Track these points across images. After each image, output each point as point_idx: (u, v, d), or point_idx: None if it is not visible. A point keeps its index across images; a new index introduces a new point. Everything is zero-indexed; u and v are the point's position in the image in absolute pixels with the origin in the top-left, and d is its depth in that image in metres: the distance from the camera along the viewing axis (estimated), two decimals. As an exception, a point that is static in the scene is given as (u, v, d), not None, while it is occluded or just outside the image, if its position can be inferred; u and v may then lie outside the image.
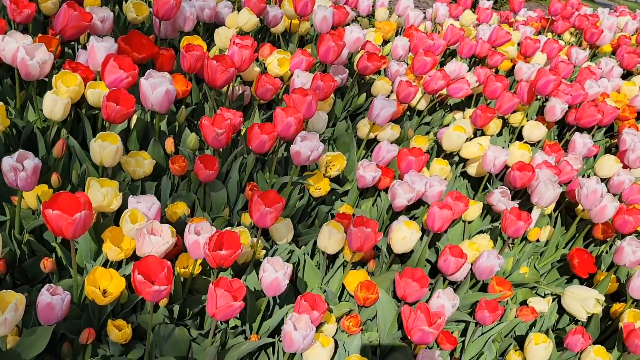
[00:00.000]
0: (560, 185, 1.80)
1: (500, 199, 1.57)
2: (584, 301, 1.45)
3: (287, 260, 1.32)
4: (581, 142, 1.86)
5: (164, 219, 1.26)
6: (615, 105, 2.19)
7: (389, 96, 1.88)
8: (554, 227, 1.73)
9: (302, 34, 2.13)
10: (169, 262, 0.96)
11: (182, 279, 1.17)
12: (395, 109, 1.57)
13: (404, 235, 1.26)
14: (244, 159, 1.41)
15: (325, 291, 1.29)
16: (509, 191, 1.59)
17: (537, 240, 1.72)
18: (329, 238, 1.27)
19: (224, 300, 0.98)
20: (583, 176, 1.95)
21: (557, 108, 1.94)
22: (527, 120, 2.00)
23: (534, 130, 1.96)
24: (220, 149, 1.37)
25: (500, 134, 2.06)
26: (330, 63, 1.67)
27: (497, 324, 1.41)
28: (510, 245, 1.67)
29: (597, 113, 1.93)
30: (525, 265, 1.65)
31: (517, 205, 1.59)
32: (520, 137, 2.02)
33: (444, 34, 2.33)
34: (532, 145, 2.03)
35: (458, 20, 2.69)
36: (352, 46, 1.85)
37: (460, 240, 1.60)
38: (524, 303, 1.56)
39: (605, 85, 2.39)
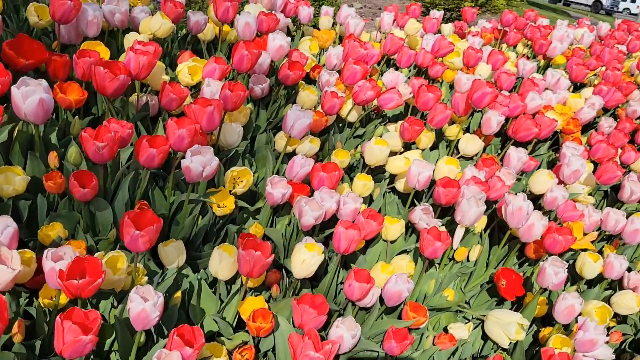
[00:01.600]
0: (492, 203, 1.72)
1: (422, 216, 1.48)
2: (505, 326, 1.36)
3: (175, 287, 1.20)
4: (515, 156, 1.78)
5: (37, 242, 1.14)
6: (555, 117, 2.12)
7: (316, 107, 1.78)
8: (485, 246, 1.64)
9: (231, 42, 2.02)
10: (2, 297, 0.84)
11: (46, 310, 1.05)
12: (311, 120, 1.47)
13: (304, 258, 1.16)
14: (138, 174, 1.29)
15: (217, 321, 1.18)
16: (431, 208, 1.50)
17: (468, 260, 1.63)
18: (220, 262, 1.15)
19: (72, 335, 0.86)
20: (516, 193, 1.87)
21: (492, 120, 1.86)
22: (464, 134, 1.92)
23: (470, 143, 1.88)
24: (108, 164, 1.26)
25: (436, 147, 1.98)
26: (245, 71, 1.57)
27: (412, 353, 1.31)
28: (436, 266, 1.57)
29: (533, 126, 1.86)
30: (452, 287, 1.55)
31: (440, 224, 1.50)
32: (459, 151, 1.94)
33: (384, 43, 2.24)
34: (468, 159, 1.95)
35: (402, 29, 2.62)
36: (276, 54, 1.75)
37: (382, 260, 1.50)
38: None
39: (549, 97, 2.33)
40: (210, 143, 1.51)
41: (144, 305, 0.96)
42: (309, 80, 2.06)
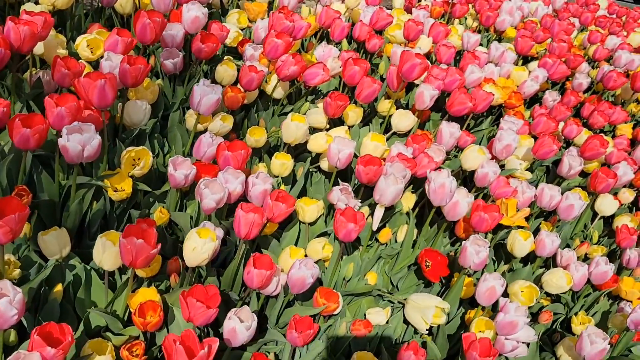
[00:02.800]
0: (422, 181, 1.64)
1: (340, 197, 1.39)
2: (423, 311, 1.29)
3: (59, 280, 1.10)
4: (447, 131, 1.70)
5: None
6: (492, 91, 2.05)
7: (236, 82, 1.67)
8: (411, 226, 1.56)
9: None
10: None
11: None
12: (219, 96, 1.37)
13: (194, 246, 1.06)
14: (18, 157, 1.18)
15: (103, 315, 1.08)
16: (350, 188, 1.42)
17: (396, 242, 1.56)
18: (103, 252, 1.05)
19: None
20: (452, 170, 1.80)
21: (425, 94, 1.77)
22: (396, 109, 1.83)
23: (402, 119, 1.79)
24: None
25: (368, 123, 1.89)
26: (149, 43, 1.45)
27: (322, 341, 1.23)
28: (360, 248, 1.50)
29: (467, 100, 1.78)
30: (375, 270, 1.48)
31: (359, 204, 1.42)
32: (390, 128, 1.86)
33: (318, 15, 2.14)
34: (402, 136, 1.86)
35: (343, 2, 2.51)
36: (191, 26, 1.63)
37: (298, 245, 1.41)
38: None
39: (491, 70, 2.26)
40: (114, 122, 1.40)
41: (-2, 301, 0.85)
42: (238, 55, 1.95)
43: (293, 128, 1.47)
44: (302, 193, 1.60)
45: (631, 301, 1.63)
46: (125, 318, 1.13)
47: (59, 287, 1.08)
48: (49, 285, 1.09)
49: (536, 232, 1.68)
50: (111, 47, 1.42)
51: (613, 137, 2.35)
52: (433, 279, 1.43)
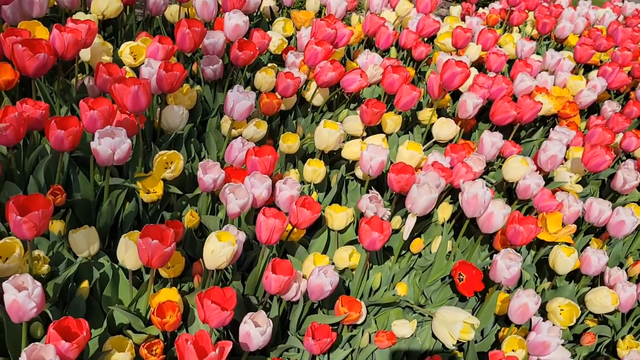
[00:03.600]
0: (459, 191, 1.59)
1: (369, 205, 1.37)
2: (450, 325, 1.24)
3: (87, 277, 1.14)
4: (489, 141, 1.65)
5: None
6: (544, 100, 1.96)
7: (275, 90, 1.69)
8: (445, 237, 1.51)
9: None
10: None
11: None
12: (252, 102, 1.39)
13: (213, 249, 1.07)
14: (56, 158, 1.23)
15: (125, 313, 1.11)
16: (379, 196, 1.39)
17: (431, 253, 1.52)
18: (126, 251, 1.08)
19: None
20: (494, 182, 1.74)
21: (468, 103, 1.72)
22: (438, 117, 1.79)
23: (443, 128, 1.75)
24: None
25: (409, 132, 1.86)
26: (189, 51, 1.49)
27: (345, 350, 1.21)
28: (389, 258, 1.47)
29: (511, 108, 1.71)
30: (406, 281, 1.44)
31: (389, 213, 1.40)
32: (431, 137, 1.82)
33: (364, 23, 2.13)
34: (444, 145, 1.82)
35: (394, 10, 2.48)
36: (232, 34, 1.66)
37: (327, 252, 1.40)
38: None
39: (544, 79, 2.17)
40: (153, 127, 1.44)
41: (17, 295, 0.89)
42: (283, 63, 1.97)
43: (325, 134, 1.46)
44: (336, 200, 1.59)
45: (689, 327, 1.51)
46: (148, 317, 1.15)
47: (85, 284, 1.12)
48: (77, 282, 1.13)
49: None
50: (152, 54, 1.47)
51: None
52: (467, 293, 1.38)
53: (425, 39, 2.25)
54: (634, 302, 1.44)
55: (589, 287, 1.55)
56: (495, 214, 1.35)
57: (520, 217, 1.38)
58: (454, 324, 1.24)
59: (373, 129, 1.72)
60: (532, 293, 1.23)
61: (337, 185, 1.56)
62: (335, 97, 1.89)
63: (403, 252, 1.50)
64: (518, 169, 1.58)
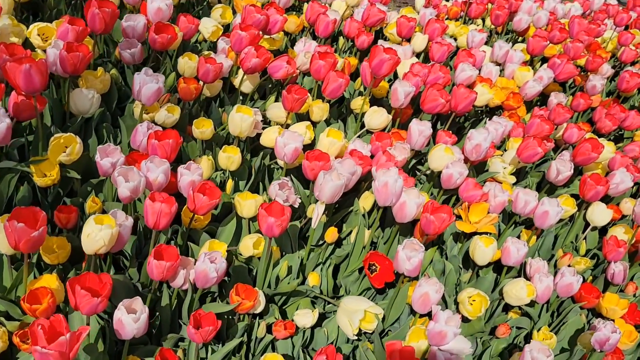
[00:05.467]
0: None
1: (278, 192, 1.34)
2: (351, 315, 1.21)
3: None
4: (417, 130, 1.61)
5: None
6: (484, 91, 1.93)
7: (199, 75, 1.64)
8: (369, 227, 1.48)
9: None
10: None
11: None
12: (159, 85, 1.34)
13: (89, 232, 1.03)
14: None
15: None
16: (290, 183, 1.36)
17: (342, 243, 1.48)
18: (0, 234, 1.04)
19: None
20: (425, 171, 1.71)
21: (399, 92, 1.69)
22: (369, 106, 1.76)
23: (375, 117, 1.71)
24: None
25: (344, 120, 1.83)
26: (100, 32, 1.45)
27: (233, 340, 1.17)
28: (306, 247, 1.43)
29: (439, 97, 1.68)
30: (319, 272, 1.41)
31: (299, 200, 1.36)
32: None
33: (305, 11, 2.09)
34: (377, 134, 1.78)
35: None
36: (155, 18, 1.62)
37: (235, 242, 1.37)
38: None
39: (489, 70, 2.13)
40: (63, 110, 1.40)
41: None
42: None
43: (237, 120, 1.42)
44: (257, 189, 1.55)
45: (613, 320, 1.48)
46: (30, 304, 1.11)
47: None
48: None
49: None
50: (62, 35, 1.42)
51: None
52: (377, 284, 1.34)
53: (371, 28, 2.21)
54: (551, 293, 1.41)
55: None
56: (407, 203, 1.32)
57: (433, 207, 1.34)
58: (355, 313, 1.20)
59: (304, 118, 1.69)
60: (434, 282, 1.20)
61: (259, 173, 1.53)
62: (271, 84, 1.86)
63: (322, 242, 1.46)
64: (442, 158, 1.55)
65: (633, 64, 2.79)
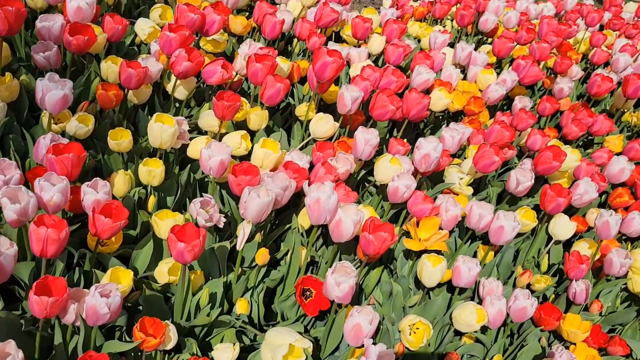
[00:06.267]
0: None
1: (199, 211, 1.20)
2: (274, 350, 1.07)
3: None
4: (362, 138, 1.48)
5: None
6: (441, 95, 1.81)
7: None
8: (297, 247, 1.34)
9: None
10: None
11: None
12: (65, 92, 1.20)
13: None
14: None
15: None
16: (212, 200, 1.22)
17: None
18: None
19: None
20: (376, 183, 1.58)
21: (346, 97, 1.55)
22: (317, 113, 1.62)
23: (320, 124, 1.58)
24: None
25: (288, 128, 1.69)
26: (6, 34, 1.30)
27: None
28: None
29: (388, 103, 1.55)
30: (249, 297, 1.27)
31: (224, 220, 1.22)
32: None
33: (254, 12, 1.96)
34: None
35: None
36: (75, 18, 1.47)
37: (152, 267, 1.22)
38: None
39: (449, 73, 2.01)
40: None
41: None
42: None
43: (157, 130, 1.28)
44: (187, 206, 1.42)
45: (574, 344, 1.36)
46: None
47: None
48: None
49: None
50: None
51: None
52: (311, 312, 1.21)
53: (325, 29, 2.08)
54: (504, 317, 1.28)
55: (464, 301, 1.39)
56: (343, 221, 1.19)
57: (374, 225, 1.21)
58: (279, 348, 1.06)
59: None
60: (368, 311, 1.07)
61: (188, 188, 1.39)
62: (211, 90, 1.72)
63: (254, 264, 1.33)
64: (388, 170, 1.42)
65: (605, 66, 2.69)
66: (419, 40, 2.54)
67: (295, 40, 2.12)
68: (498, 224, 1.39)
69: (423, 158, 1.44)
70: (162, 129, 1.28)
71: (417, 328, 1.20)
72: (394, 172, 1.41)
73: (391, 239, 1.19)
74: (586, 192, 1.62)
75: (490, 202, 1.75)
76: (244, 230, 1.19)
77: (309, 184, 1.35)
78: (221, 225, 1.22)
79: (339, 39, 2.26)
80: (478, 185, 1.82)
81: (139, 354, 1.07)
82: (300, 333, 1.10)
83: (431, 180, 1.70)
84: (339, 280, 1.07)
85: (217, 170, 1.27)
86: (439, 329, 1.31)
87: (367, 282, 1.41)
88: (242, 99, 1.54)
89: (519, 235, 1.66)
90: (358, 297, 1.42)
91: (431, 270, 1.29)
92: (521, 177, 1.60)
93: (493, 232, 1.40)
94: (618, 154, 2.01)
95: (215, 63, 1.51)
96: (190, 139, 1.40)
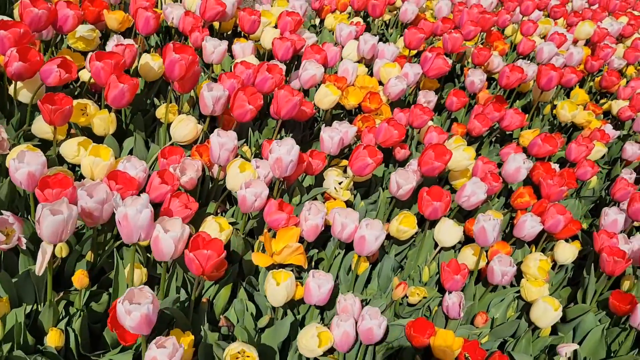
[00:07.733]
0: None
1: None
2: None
3: None
4: (217, 142, 1.33)
5: None
6: (328, 91, 1.67)
7: None
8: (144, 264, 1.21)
9: None
10: None
11: None
12: None
13: None
14: None
15: None
16: (12, 219, 1.08)
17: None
18: None
19: None
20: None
21: (206, 97, 1.42)
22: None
23: (180, 127, 1.44)
24: None
25: (151, 133, 1.55)
26: None
27: None
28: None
29: (246, 102, 1.41)
30: (63, 326, 1.13)
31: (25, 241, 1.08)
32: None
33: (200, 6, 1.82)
34: (187, 147, 1.51)
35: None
36: None
37: None
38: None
39: (344, 67, 1.88)
40: None
41: None
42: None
43: (98, 125, 1.13)
44: None
45: (446, 363, 1.24)
46: None
47: None
48: None
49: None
50: None
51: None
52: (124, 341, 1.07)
53: (211, 23, 1.94)
54: (352, 340, 1.15)
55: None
56: (160, 237, 1.05)
57: (202, 241, 1.08)
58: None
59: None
60: (171, 343, 0.93)
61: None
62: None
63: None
64: (236, 177, 1.29)
65: (530, 58, 2.57)
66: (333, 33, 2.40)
67: (176, 36, 1.98)
68: (360, 234, 1.26)
69: (275, 162, 1.30)
70: (101, 126, 1.13)
71: (247, 356, 1.07)
72: (244, 178, 1.27)
73: (216, 256, 1.06)
74: (473, 194, 1.50)
75: (379, 207, 1.62)
76: (42, 252, 1.05)
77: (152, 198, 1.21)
78: (23, 247, 1.08)
79: (234, 34, 2.11)
80: (368, 190, 1.69)
81: None
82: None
83: (317, 185, 1.58)
84: (129, 308, 0.93)
85: (27, 184, 1.12)
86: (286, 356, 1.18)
87: (217, 302, 1.27)
88: (88, 101, 1.40)
89: (405, 242, 1.54)
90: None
91: (274, 289, 1.16)
92: (401, 180, 1.47)
93: (356, 242, 1.27)
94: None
95: (52, 62, 1.36)
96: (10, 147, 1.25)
